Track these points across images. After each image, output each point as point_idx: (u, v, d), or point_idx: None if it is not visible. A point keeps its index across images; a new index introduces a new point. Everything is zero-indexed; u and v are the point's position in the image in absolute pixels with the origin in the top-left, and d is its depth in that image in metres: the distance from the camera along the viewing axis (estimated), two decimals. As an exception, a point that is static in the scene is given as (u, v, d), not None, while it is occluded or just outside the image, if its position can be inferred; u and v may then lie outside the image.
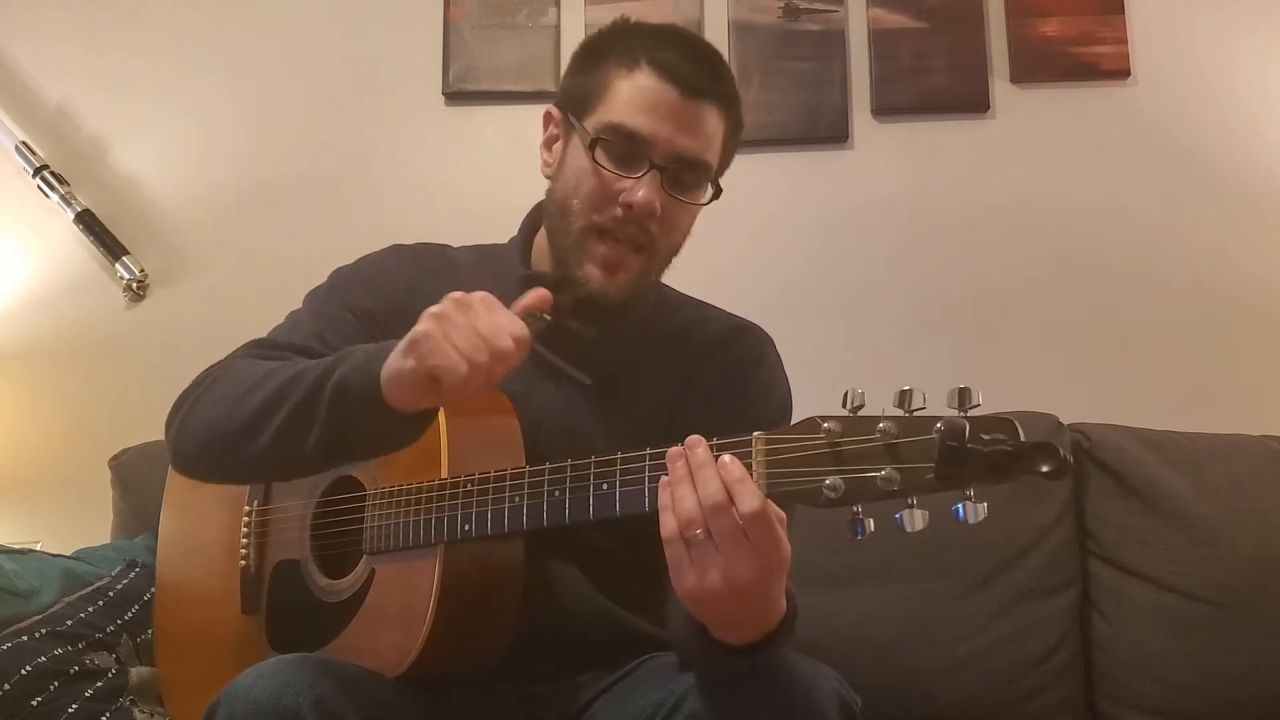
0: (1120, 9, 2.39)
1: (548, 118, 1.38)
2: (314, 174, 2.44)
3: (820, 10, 2.42)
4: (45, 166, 2.38)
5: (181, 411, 1.32)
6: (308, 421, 1.15)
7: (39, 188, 2.38)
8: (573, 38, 2.44)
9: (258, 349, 1.35)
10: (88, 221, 2.38)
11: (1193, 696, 1.88)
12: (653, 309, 1.40)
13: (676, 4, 2.43)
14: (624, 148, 1.27)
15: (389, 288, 1.37)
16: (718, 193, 1.33)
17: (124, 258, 2.37)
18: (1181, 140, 2.37)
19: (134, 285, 2.38)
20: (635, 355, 1.36)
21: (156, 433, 2.04)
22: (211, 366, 1.34)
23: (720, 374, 1.37)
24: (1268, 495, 1.94)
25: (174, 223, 2.44)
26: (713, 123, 1.30)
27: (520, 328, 1.07)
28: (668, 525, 0.96)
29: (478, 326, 1.05)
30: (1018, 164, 2.39)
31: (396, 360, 1.08)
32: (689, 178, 1.30)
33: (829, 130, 2.39)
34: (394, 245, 1.46)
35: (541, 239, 1.41)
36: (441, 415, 1.20)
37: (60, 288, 2.42)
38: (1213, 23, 2.39)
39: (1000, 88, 2.41)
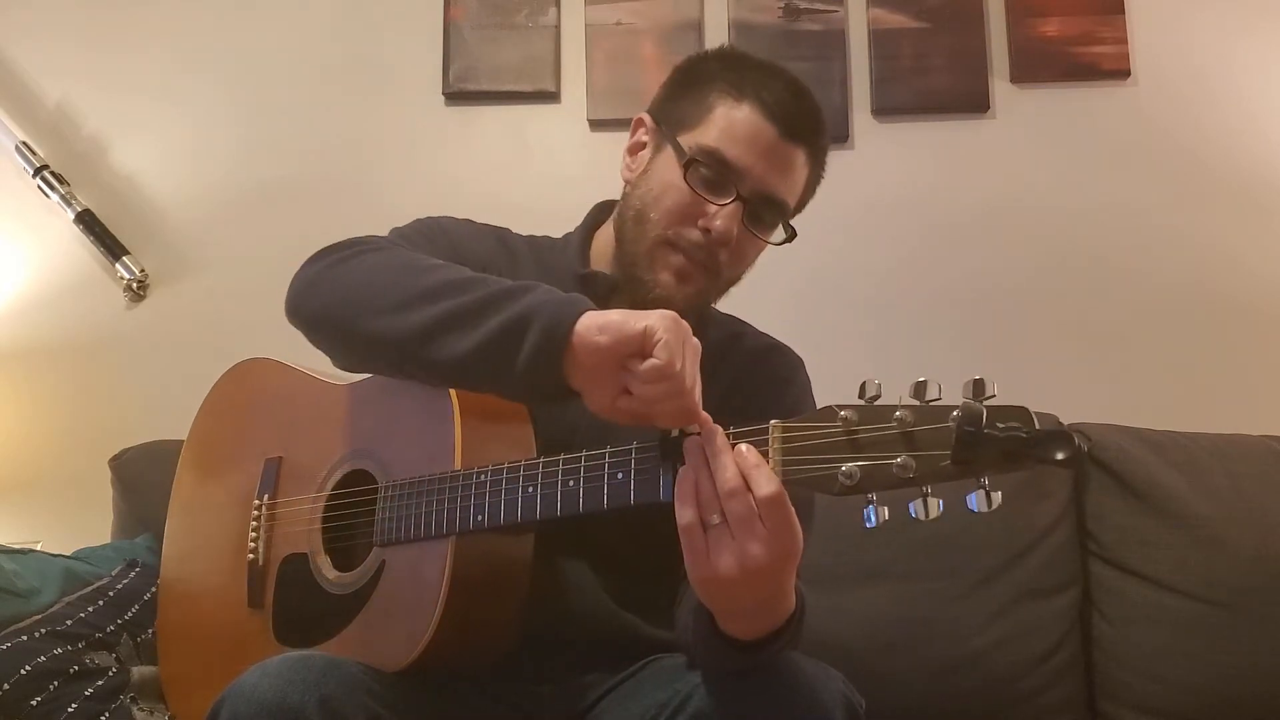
0: (1120, 9, 2.40)
1: (638, 124, 1.40)
2: (314, 174, 2.44)
3: (820, 10, 2.43)
4: (45, 166, 2.37)
5: (323, 262, 1.27)
6: (470, 324, 1.11)
7: (39, 188, 2.37)
8: (573, 38, 2.45)
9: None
10: (88, 221, 2.37)
11: (1193, 696, 1.88)
12: (696, 327, 1.40)
13: (676, 4, 2.43)
14: (715, 173, 1.29)
15: (467, 256, 1.33)
16: (791, 236, 1.36)
17: (124, 258, 2.37)
18: (1182, 140, 2.38)
19: (134, 285, 2.37)
20: None
21: (156, 433, 2.08)
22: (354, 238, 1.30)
23: (752, 390, 1.38)
24: (1268, 495, 1.94)
25: (174, 223, 2.44)
26: (801, 168, 1.34)
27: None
28: (684, 511, 0.96)
29: (690, 365, 1.02)
30: (1018, 164, 2.39)
31: (609, 314, 1.05)
32: (768, 215, 1.33)
33: (829, 130, 2.38)
34: (466, 219, 1.46)
35: (602, 239, 1.42)
36: (456, 410, 1.20)
37: (60, 288, 2.41)
38: (1213, 23, 2.41)
39: (1000, 88, 2.41)
